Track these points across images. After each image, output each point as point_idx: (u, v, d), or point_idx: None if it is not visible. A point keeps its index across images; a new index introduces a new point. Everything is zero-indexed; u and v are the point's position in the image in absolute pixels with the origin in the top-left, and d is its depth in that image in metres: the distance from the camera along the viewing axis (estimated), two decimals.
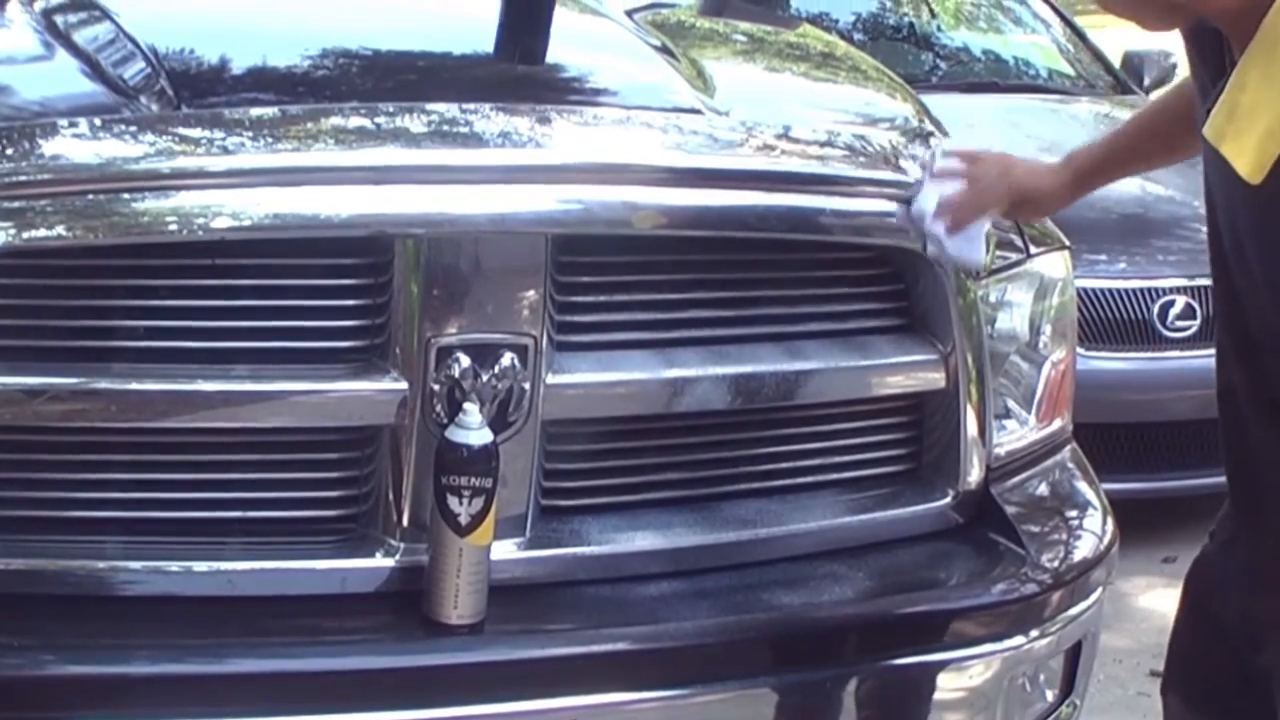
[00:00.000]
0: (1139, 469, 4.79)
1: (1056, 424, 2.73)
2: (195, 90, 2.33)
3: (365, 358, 2.14)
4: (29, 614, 2.01)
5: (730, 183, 2.31)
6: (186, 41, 2.50)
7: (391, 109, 2.31)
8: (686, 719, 2.21)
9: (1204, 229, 2.04)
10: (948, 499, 2.50)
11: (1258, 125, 1.79)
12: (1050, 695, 2.51)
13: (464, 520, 2.08)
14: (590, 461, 2.31)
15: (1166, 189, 5.19)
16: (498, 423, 2.13)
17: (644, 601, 2.24)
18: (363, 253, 2.12)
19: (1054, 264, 2.74)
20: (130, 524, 2.11)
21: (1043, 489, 2.67)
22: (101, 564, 2.09)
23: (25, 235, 1.99)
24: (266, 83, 2.47)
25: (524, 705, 2.09)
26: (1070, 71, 6.74)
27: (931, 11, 6.97)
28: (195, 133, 2.21)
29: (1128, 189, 5.20)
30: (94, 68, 2.39)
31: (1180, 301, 4.82)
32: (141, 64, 2.37)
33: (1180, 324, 4.80)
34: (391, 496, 2.17)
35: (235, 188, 2.06)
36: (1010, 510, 2.53)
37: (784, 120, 2.58)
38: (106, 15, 2.57)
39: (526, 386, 2.16)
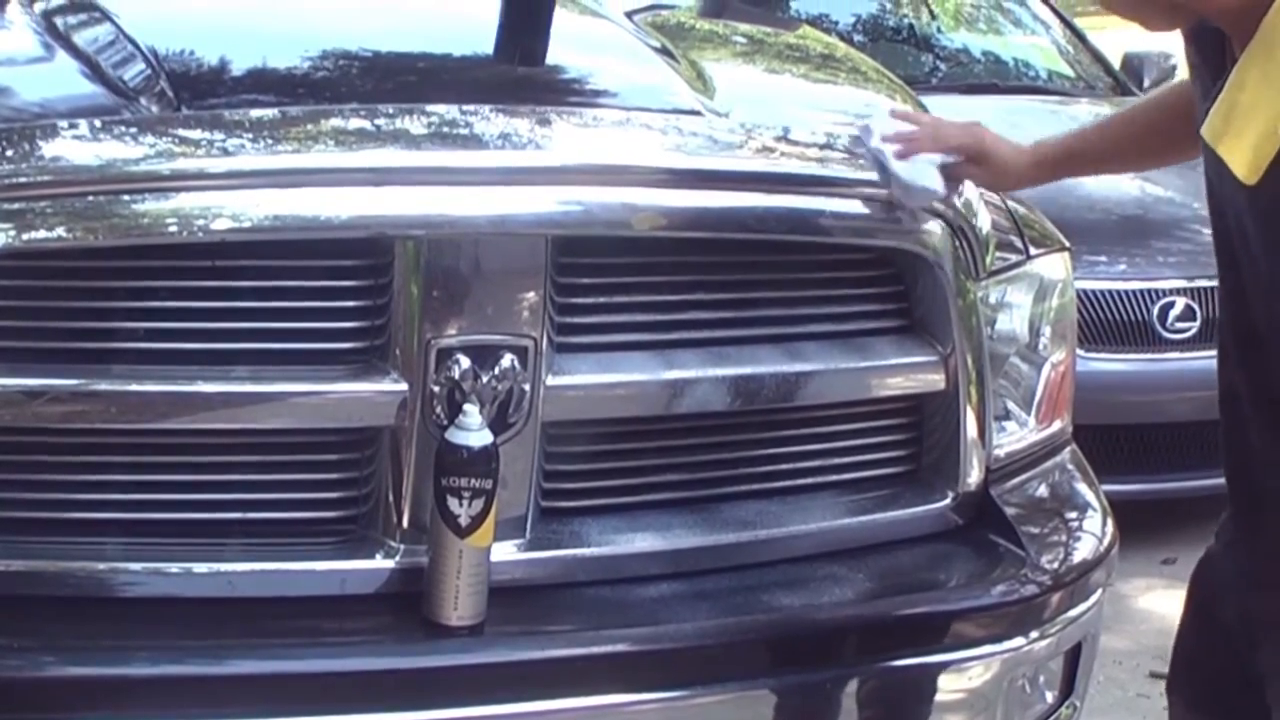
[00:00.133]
0: (1139, 470, 4.79)
1: (1056, 425, 2.73)
2: (195, 92, 2.33)
3: (365, 359, 2.14)
4: (29, 615, 2.01)
5: (730, 184, 2.31)
6: (186, 43, 2.50)
7: (391, 110, 2.31)
8: None
9: (1204, 230, 2.05)
10: (947, 500, 2.50)
11: (1255, 125, 1.80)
12: (1050, 697, 2.51)
13: (464, 522, 2.08)
14: (590, 463, 2.31)
15: (1166, 190, 5.20)
16: (498, 424, 2.13)
17: (644, 603, 2.24)
18: (363, 254, 2.12)
19: (1054, 265, 2.74)
20: (130, 525, 2.11)
21: (1042, 490, 2.67)
22: (101, 565, 2.09)
23: (25, 237, 1.99)
24: (266, 84, 2.48)
25: (524, 707, 2.09)
26: (1070, 73, 6.74)
27: (931, 13, 6.97)
28: (195, 134, 2.21)
29: (1127, 190, 5.21)
30: (94, 69, 2.39)
31: (1180, 303, 4.82)
32: (141, 65, 2.37)
33: (1180, 325, 4.80)
34: (391, 498, 2.17)
35: (235, 189, 2.06)
36: (1010, 512, 2.53)
37: (784, 122, 2.58)
38: (106, 16, 2.57)
39: (526, 388, 2.17)
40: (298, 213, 2.07)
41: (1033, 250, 2.68)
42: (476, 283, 2.14)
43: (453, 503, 2.07)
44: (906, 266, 2.44)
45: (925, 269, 2.43)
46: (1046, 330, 2.71)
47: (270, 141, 2.23)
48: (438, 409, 2.13)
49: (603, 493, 2.32)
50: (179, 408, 2.07)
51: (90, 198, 2.02)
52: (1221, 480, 2.08)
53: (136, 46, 2.42)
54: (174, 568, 2.11)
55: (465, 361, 2.13)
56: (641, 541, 2.30)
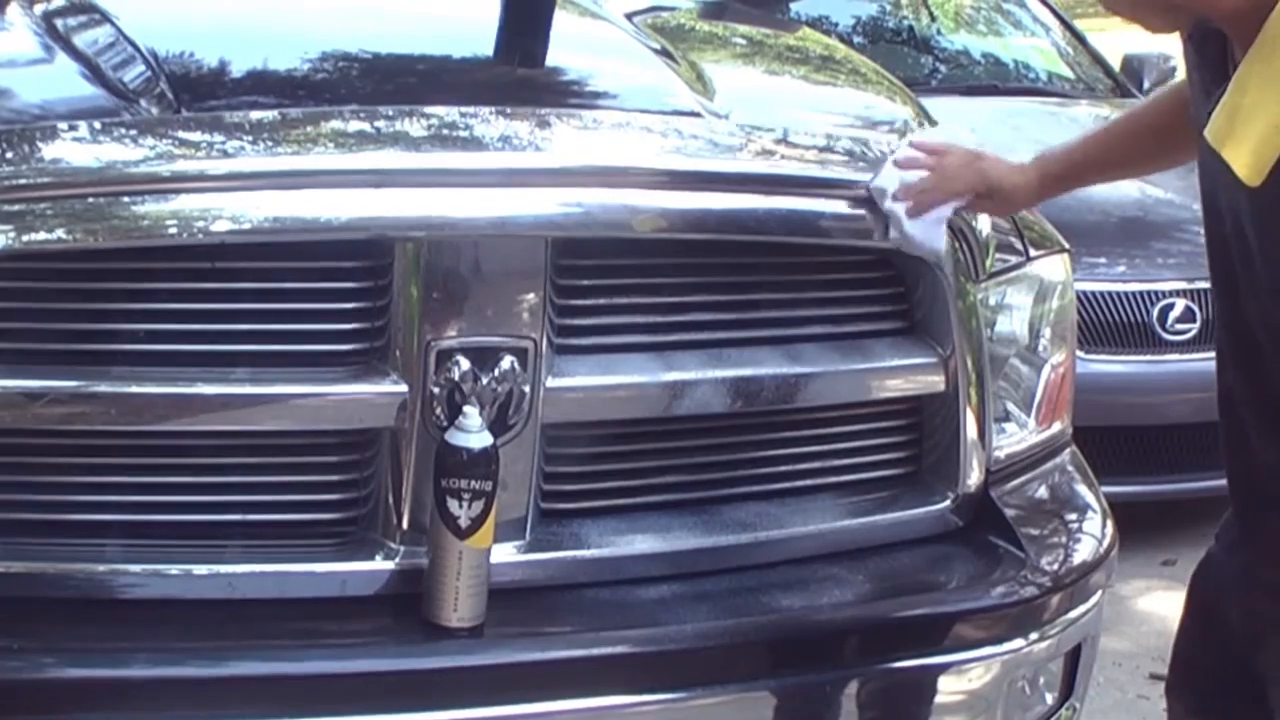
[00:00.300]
0: (1138, 472, 4.78)
1: (1056, 427, 2.73)
2: (195, 93, 2.33)
3: (365, 361, 2.14)
4: (29, 617, 2.01)
5: (730, 186, 2.31)
6: (186, 45, 2.51)
7: (391, 112, 2.31)
8: None
9: (1203, 232, 2.04)
10: (947, 502, 2.50)
11: (1258, 128, 1.80)
12: (1050, 698, 2.51)
13: (464, 523, 2.08)
14: (590, 464, 2.31)
15: (1166, 192, 5.19)
16: (497, 426, 2.13)
17: (644, 604, 2.24)
18: (363, 256, 2.12)
19: (1054, 267, 2.74)
20: (130, 527, 2.11)
21: (1042, 492, 2.67)
22: (102, 567, 2.09)
23: (25, 238, 1.99)
24: (266, 86, 2.48)
25: (524, 708, 2.09)
26: (1070, 74, 6.74)
27: (931, 15, 6.97)
28: (195, 136, 2.21)
29: (1127, 192, 5.21)
30: (94, 71, 2.39)
31: (1180, 304, 4.81)
32: (141, 67, 2.37)
33: (1180, 327, 4.80)
34: (391, 499, 2.17)
35: (235, 191, 2.06)
36: (1010, 513, 2.53)
37: (783, 123, 2.59)
38: (106, 18, 2.57)
39: (526, 389, 2.17)
40: (298, 214, 2.07)
41: (1032, 252, 2.68)
42: (476, 284, 2.14)
43: (453, 504, 2.07)
44: (906, 268, 2.44)
45: (925, 271, 2.43)
46: (1046, 332, 2.71)
47: (270, 143, 2.23)
48: (438, 410, 2.13)
49: (603, 494, 2.32)
50: (179, 409, 2.07)
51: (90, 199, 2.02)
52: (1221, 482, 2.08)
53: (136, 48, 2.42)
54: (174, 569, 2.11)
55: (465, 363, 2.13)
56: (641, 543, 2.30)
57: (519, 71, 2.65)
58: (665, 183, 2.27)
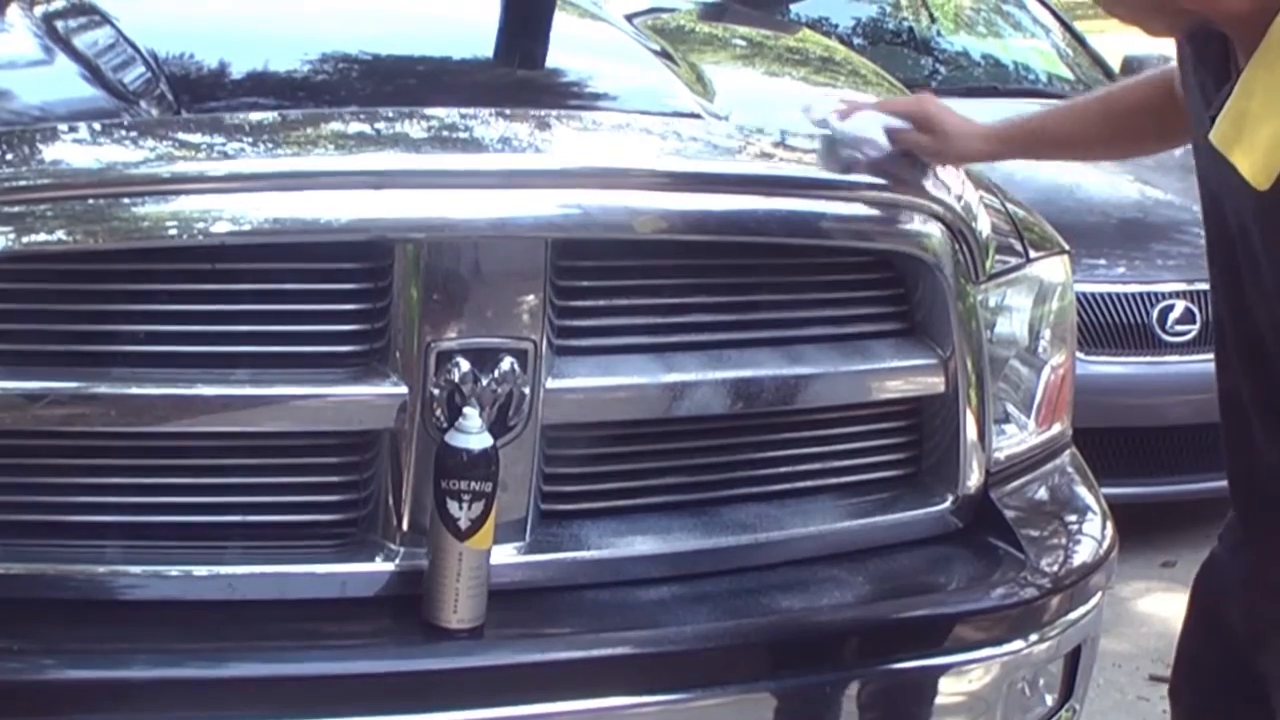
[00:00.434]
0: (1138, 473, 4.79)
1: (1056, 428, 2.73)
2: (195, 95, 2.33)
3: (365, 362, 2.14)
4: (30, 618, 2.01)
5: (730, 187, 2.31)
6: (186, 46, 2.51)
7: (391, 114, 2.31)
8: None
9: (1203, 234, 2.04)
10: (947, 503, 2.50)
11: (1266, 132, 1.79)
12: (1049, 699, 2.51)
13: (464, 524, 2.08)
14: (590, 466, 2.31)
15: (1166, 193, 5.20)
16: (497, 427, 2.13)
17: (644, 606, 2.24)
18: (363, 257, 2.12)
19: (1053, 268, 2.74)
20: (130, 528, 2.11)
21: (1042, 493, 2.67)
22: (102, 569, 2.09)
23: (25, 240, 1.99)
24: (266, 87, 2.48)
25: (524, 709, 2.10)
26: (1070, 76, 6.74)
27: (931, 16, 6.97)
28: (195, 137, 2.21)
29: (1127, 193, 5.21)
30: (94, 72, 2.40)
31: (1180, 306, 4.81)
32: (141, 68, 2.38)
33: (1179, 328, 4.80)
34: (391, 501, 2.17)
35: (235, 192, 2.06)
36: (1009, 515, 2.53)
37: (783, 125, 2.58)
38: (106, 19, 2.57)
39: (526, 391, 2.17)
40: (298, 216, 2.07)
41: (1032, 253, 2.68)
42: (476, 286, 2.14)
43: (452, 505, 2.07)
44: (906, 269, 2.44)
45: (925, 272, 2.43)
46: (1046, 333, 2.71)
47: (270, 144, 2.23)
48: (437, 412, 2.13)
49: (603, 495, 2.32)
50: (179, 411, 2.07)
51: (90, 201, 2.02)
52: (1222, 483, 2.08)
53: (136, 49, 2.43)
54: (174, 571, 2.11)
55: (465, 364, 2.13)
56: (641, 544, 2.30)
57: (519, 73, 2.65)
58: (665, 184, 2.27)
